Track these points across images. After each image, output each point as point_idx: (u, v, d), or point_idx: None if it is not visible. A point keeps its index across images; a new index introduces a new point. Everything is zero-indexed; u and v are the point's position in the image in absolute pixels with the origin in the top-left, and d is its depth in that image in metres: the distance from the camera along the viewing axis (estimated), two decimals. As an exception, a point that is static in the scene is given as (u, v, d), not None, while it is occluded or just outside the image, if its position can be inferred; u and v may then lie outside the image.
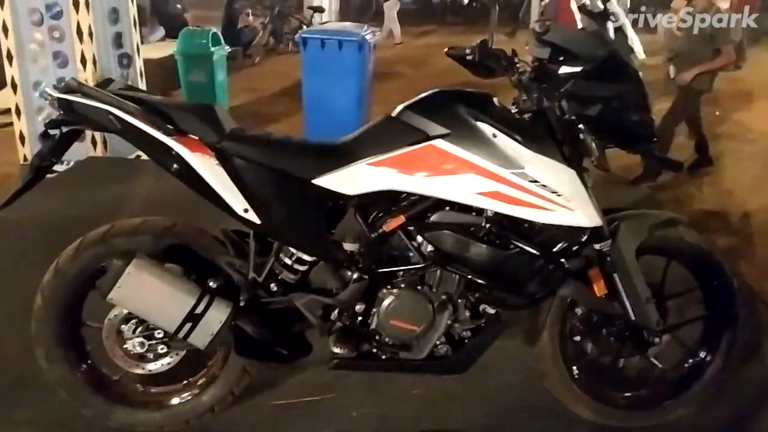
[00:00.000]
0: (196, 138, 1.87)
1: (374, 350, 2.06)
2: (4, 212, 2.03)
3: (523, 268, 1.97)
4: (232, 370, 2.10)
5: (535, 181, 1.86)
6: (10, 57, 4.64)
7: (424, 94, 1.98)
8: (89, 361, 2.09)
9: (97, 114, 1.85)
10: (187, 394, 2.13)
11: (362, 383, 2.37)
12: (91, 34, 4.59)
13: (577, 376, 2.23)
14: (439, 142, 1.86)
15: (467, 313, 2.07)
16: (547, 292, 2.04)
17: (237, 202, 1.90)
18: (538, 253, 1.93)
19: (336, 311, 2.01)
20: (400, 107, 1.96)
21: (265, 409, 2.27)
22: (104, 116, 1.85)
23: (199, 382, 2.14)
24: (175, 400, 2.13)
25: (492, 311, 2.07)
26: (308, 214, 1.95)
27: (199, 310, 1.87)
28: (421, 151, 1.88)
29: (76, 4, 4.50)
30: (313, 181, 1.91)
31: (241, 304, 1.95)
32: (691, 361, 2.32)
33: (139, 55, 5.09)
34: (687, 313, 2.33)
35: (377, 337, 2.05)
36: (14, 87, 4.70)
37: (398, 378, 2.36)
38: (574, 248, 2.01)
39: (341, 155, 1.93)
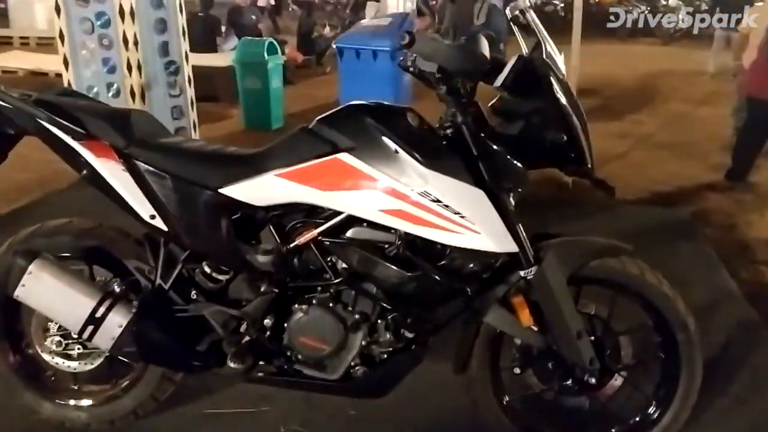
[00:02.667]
0: (106, 143, 1.90)
1: (285, 367, 2.02)
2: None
3: (427, 291, 1.87)
4: (152, 375, 2.12)
5: (438, 201, 1.77)
6: (66, 62, 4.93)
7: (339, 107, 1.93)
8: (25, 355, 2.17)
9: (21, 118, 1.91)
10: (111, 395, 2.17)
11: (301, 399, 2.33)
12: (136, 43, 4.81)
13: (508, 408, 2.10)
14: (344, 156, 1.81)
15: (388, 335, 1.99)
16: (452, 318, 1.95)
17: (143, 208, 1.91)
18: (438, 276, 1.83)
19: (245, 324, 1.98)
20: (315, 119, 1.91)
21: (193, 417, 2.28)
22: (27, 120, 1.91)
23: (123, 385, 2.17)
24: (100, 400, 2.18)
25: (410, 335, 1.98)
26: (215, 223, 1.92)
27: (99, 314, 1.90)
28: (326, 164, 1.83)
29: (122, 14, 4.73)
30: (220, 191, 1.89)
31: (145, 310, 1.96)
32: (647, 408, 2.11)
33: (187, 62, 5.28)
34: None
35: (288, 354, 2.00)
36: (69, 90, 5.00)
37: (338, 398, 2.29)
38: (487, 274, 1.91)
39: (251, 165, 1.90)
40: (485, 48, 1.75)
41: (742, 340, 2.81)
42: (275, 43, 6.60)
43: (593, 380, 1.97)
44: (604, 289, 2.03)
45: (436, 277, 1.84)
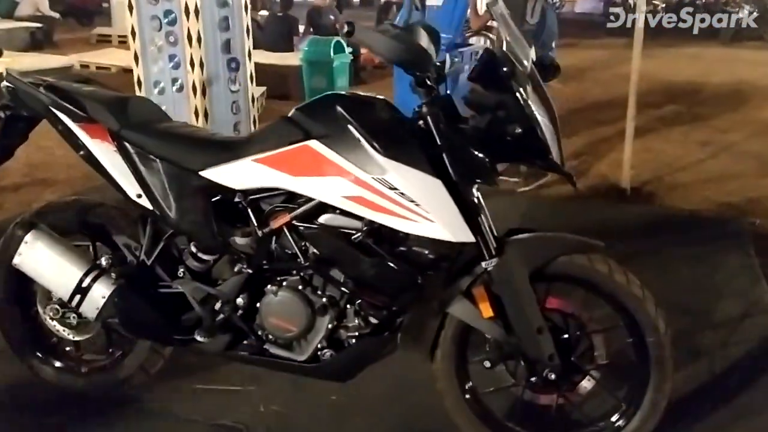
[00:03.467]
0: (102, 126, 2.04)
1: (257, 346, 2.09)
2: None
3: (385, 278, 1.90)
4: (141, 348, 2.25)
5: (395, 189, 1.80)
6: (136, 58, 5.25)
7: (317, 96, 2.00)
8: (32, 321, 2.34)
9: (31, 101, 2.09)
10: (105, 364, 2.32)
11: (288, 382, 2.38)
12: (199, 40, 5.04)
13: (474, 401, 2.08)
14: (313, 143, 1.87)
15: (357, 321, 2.02)
16: (412, 306, 1.97)
17: (131, 187, 2.04)
18: (394, 264, 1.85)
19: (219, 302, 2.07)
20: (294, 108, 1.98)
21: (184, 391, 2.39)
22: (37, 103, 2.08)
23: (116, 356, 2.31)
24: (95, 369, 2.33)
25: (375, 321, 2.01)
26: (196, 204, 2.02)
27: (85, 284, 2.04)
28: (297, 151, 1.89)
29: (187, 13, 4.97)
30: (201, 173, 1.99)
31: (127, 283, 2.08)
32: (615, 412, 2.04)
33: (249, 59, 5.48)
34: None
35: (260, 334, 2.08)
36: (139, 84, 5.31)
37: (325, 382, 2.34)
38: (446, 263, 1.92)
39: (231, 150, 1.99)
40: (423, 39, 1.76)
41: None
42: (343, 42, 6.73)
43: (553, 376, 1.93)
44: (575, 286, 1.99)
45: (391, 264, 1.86)
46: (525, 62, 1.86)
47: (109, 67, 9.24)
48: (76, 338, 2.26)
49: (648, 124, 6.22)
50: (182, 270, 2.12)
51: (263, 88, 7.42)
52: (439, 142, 1.84)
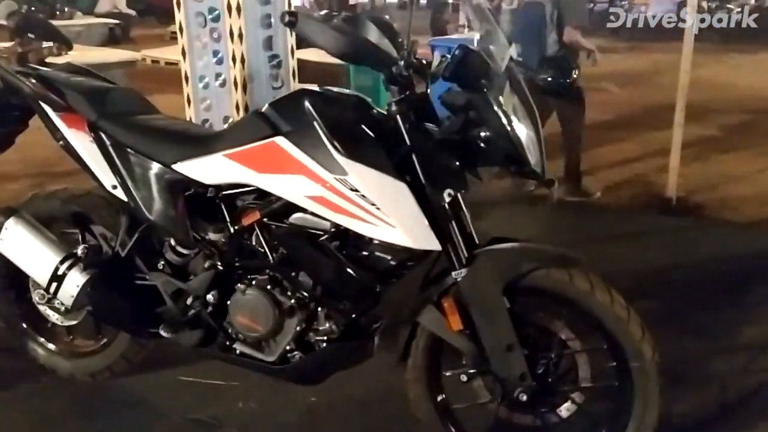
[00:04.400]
0: (81, 116, 2.06)
1: (227, 344, 2.07)
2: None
3: (343, 283, 1.84)
4: (123, 337, 2.28)
5: (356, 191, 1.74)
6: (184, 53, 5.37)
7: (291, 92, 1.96)
8: (28, 305, 2.40)
9: (19, 90, 2.12)
10: (91, 350, 2.37)
11: (269, 380, 2.33)
12: (241, 36, 5.11)
13: (445, 413, 2.00)
14: (280, 140, 1.83)
15: (328, 324, 1.97)
16: (378, 311, 1.91)
17: (107, 178, 2.06)
18: (351, 269, 1.81)
19: (190, 298, 2.06)
20: (267, 103, 1.95)
21: (167, 382, 2.41)
22: (22, 92, 2.12)
23: (101, 343, 2.34)
24: (82, 354, 2.38)
25: (344, 326, 1.95)
26: (168, 197, 2.02)
27: (60, 271, 2.08)
28: (264, 147, 1.86)
29: (229, 10, 5.04)
30: (173, 166, 1.99)
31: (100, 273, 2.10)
32: None
33: (292, 56, 5.52)
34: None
35: (229, 331, 2.05)
36: (186, 79, 5.42)
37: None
38: (406, 270, 1.86)
39: (205, 144, 1.98)
40: (371, 33, 1.67)
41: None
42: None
43: (524, 397, 1.82)
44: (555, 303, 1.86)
45: (349, 269, 1.80)
46: (501, 61, 1.76)
47: (176, 63, 9.48)
48: (65, 323, 2.31)
49: (704, 131, 5.89)
50: (162, 263, 2.13)
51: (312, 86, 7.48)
52: (408, 143, 1.76)
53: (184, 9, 5.18)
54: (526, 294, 1.84)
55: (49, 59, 7.12)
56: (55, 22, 10.61)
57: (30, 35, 7.07)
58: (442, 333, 1.87)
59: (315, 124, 1.78)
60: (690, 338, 2.69)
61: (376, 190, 1.74)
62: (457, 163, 1.79)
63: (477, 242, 1.88)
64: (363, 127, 1.80)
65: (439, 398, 1.99)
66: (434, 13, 10.63)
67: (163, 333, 2.05)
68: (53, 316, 2.30)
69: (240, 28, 5.06)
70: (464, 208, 1.90)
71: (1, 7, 7.77)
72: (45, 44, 7.12)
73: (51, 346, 2.41)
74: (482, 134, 1.73)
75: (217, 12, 5.09)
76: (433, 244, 1.76)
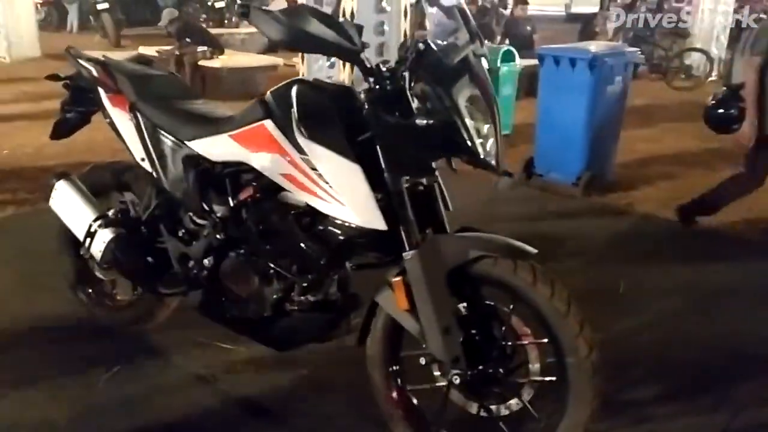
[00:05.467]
0: (125, 97, 2.38)
1: (218, 305, 2.28)
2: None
3: (295, 255, 1.98)
4: (147, 296, 2.56)
5: (315, 170, 1.89)
6: (303, 57, 5.78)
7: (287, 81, 2.12)
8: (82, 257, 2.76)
9: (84, 74, 2.51)
10: (125, 304, 2.69)
11: (271, 352, 2.49)
12: (352, 42, 5.40)
13: (401, 393, 2.06)
14: (268, 122, 2.02)
15: (304, 297, 2.12)
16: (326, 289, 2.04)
17: (137, 151, 2.37)
18: (304, 243, 1.95)
19: (192, 261, 2.30)
20: (269, 90, 2.14)
21: (187, 340, 2.67)
22: (85, 76, 2.49)
23: (134, 298, 2.66)
24: (117, 307, 2.72)
25: (315, 298, 2.09)
26: (183, 170, 2.27)
27: (93, 229, 2.41)
28: (256, 129, 2.06)
29: (344, 15, 5.35)
30: (188, 143, 2.24)
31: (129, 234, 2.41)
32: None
33: (404, 62, 5.72)
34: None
35: (219, 294, 2.26)
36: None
37: (311, 355, 2.42)
38: (358, 249, 1.97)
39: (216, 125, 2.21)
40: (309, 25, 1.74)
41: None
42: (514, 51, 6.67)
43: (457, 380, 1.86)
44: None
45: (302, 243, 1.94)
46: (456, 56, 1.81)
47: (294, 65, 10.10)
48: (106, 277, 2.64)
49: None
50: (182, 231, 2.39)
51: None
52: (372, 130, 1.86)
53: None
54: (479, 283, 1.87)
55: (201, 62, 7.97)
56: (222, 30, 11.74)
57: (187, 40, 7.96)
58: (393, 311, 1.94)
59: (291, 109, 1.94)
60: None
61: (331, 169, 1.87)
62: (414, 152, 1.85)
63: (447, 230, 1.95)
64: (333, 113, 1.92)
65: (397, 378, 2.06)
66: (584, 24, 10.36)
67: (161, 289, 2.31)
68: (97, 270, 2.64)
69: (351, 35, 5.34)
70: (443, 197, 1.98)
71: (164, 14, 8.83)
72: (200, 48, 7.98)
73: (95, 297, 2.75)
74: (430, 123, 1.78)
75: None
76: (378, 223, 1.85)
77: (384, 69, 1.92)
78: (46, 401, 2.33)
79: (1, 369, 2.52)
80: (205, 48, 7.92)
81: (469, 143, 1.79)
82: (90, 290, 2.76)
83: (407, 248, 1.86)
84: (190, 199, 2.27)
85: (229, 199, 2.19)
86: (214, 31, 10.21)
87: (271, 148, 1.98)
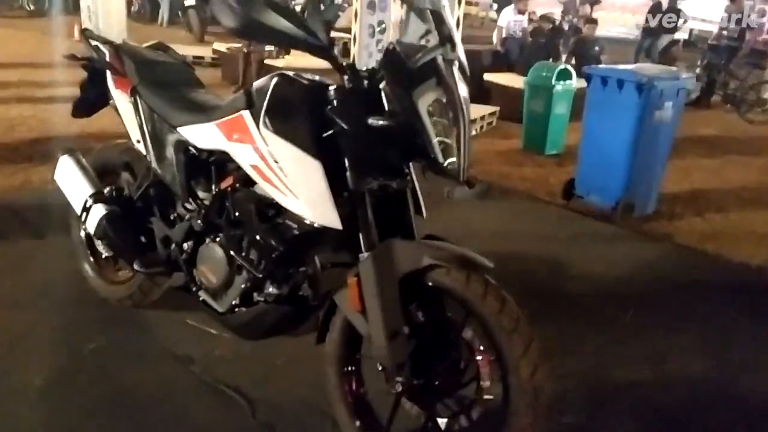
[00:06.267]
0: (128, 81, 2.48)
1: (194, 289, 2.34)
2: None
3: (263, 251, 2.02)
4: (140, 274, 2.66)
5: (277, 162, 1.92)
6: (354, 60, 5.86)
7: (271, 74, 2.16)
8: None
9: (98, 56, 2.63)
10: (120, 280, 2.81)
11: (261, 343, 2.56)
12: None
13: (355, 396, 2.06)
14: (245, 113, 2.05)
15: (272, 288, 2.14)
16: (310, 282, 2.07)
17: (134, 133, 2.46)
18: (260, 233, 2.00)
19: (173, 244, 2.38)
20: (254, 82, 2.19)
21: (176, 320, 2.76)
22: (101, 60, 2.62)
23: (129, 275, 2.75)
24: (113, 282, 2.84)
25: (277, 291, 2.11)
26: (171, 154, 2.35)
27: (88, 204, 2.52)
28: (235, 119, 2.10)
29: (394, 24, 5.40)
30: (179, 129, 2.32)
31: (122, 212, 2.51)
32: None
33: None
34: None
35: (195, 278, 2.32)
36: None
37: (300, 346, 2.36)
38: (312, 244, 1.98)
39: (206, 113, 2.26)
40: (263, 15, 1.73)
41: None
42: (571, 70, 6.54)
43: (399, 387, 1.85)
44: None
45: (257, 235, 1.99)
46: (420, 59, 1.79)
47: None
48: (105, 252, 2.76)
49: None
50: (174, 215, 2.47)
51: (494, 108, 7.56)
52: (341, 128, 1.86)
53: (360, 20, 5.66)
54: (437, 293, 1.85)
55: (267, 60, 8.18)
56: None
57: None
58: (347, 311, 1.94)
59: (264, 102, 1.97)
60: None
61: (290, 163, 1.89)
62: (379, 154, 1.85)
63: (415, 237, 1.93)
64: (302, 108, 1.94)
65: (350, 378, 2.05)
66: (662, 49, 10.06)
67: (136, 266, 2.39)
68: (99, 245, 2.76)
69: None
70: (417, 203, 1.97)
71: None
72: (267, 48, 8.19)
73: (98, 271, 2.87)
74: (384, 123, 1.78)
75: (384, 25, 5.50)
76: (333, 222, 1.86)
77: (364, 68, 1.93)
78: (28, 365, 2.45)
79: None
80: (272, 48, 8.12)
81: (426, 147, 1.77)
82: (94, 263, 2.88)
83: (363, 250, 1.85)
84: (176, 184, 2.35)
85: (212, 186, 2.25)
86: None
87: (244, 138, 2.02)
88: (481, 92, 7.96)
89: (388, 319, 1.81)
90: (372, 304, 1.83)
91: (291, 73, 2.10)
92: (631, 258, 4.01)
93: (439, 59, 1.81)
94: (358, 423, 2.04)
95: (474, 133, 5.92)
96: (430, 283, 1.82)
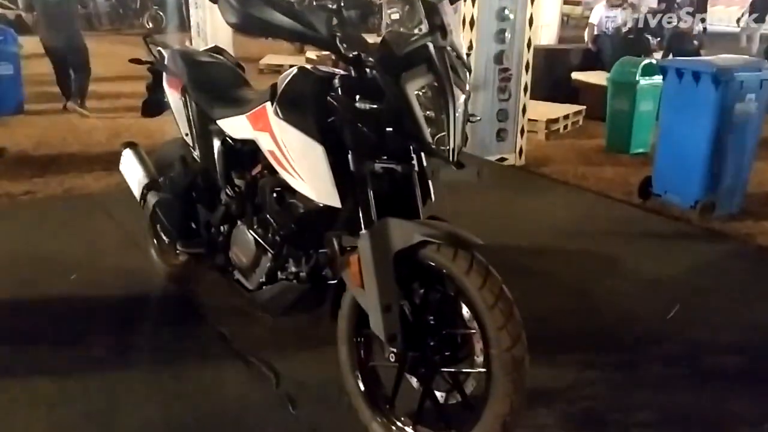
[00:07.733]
0: (180, 80, 2.73)
1: (229, 269, 2.54)
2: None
3: (277, 230, 2.18)
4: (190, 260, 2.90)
5: (286, 146, 2.08)
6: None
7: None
8: None
9: (161, 62, 2.90)
10: (177, 264, 3.05)
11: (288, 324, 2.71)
12: (471, 48, 5.47)
13: (367, 369, 2.15)
14: (268, 104, 2.22)
15: (295, 267, 2.30)
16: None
17: (183, 127, 2.70)
18: (271, 214, 2.14)
19: (213, 228, 2.59)
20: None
21: (223, 303, 2.92)
22: (159, 63, 2.89)
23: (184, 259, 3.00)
24: (173, 265, 3.08)
25: (295, 269, 2.27)
26: (212, 145, 2.57)
27: (144, 192, 2.78)
28: (260, 110, 2.28)
29: (471, 24, 5.44)
30: (218, 121, 2.53)
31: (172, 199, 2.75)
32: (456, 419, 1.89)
33: (526, 72, 5.70)
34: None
35: (231, 258, 2.52)
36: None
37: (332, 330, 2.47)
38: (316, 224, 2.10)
39: (241, 107, 2.46)
40: (261, 11, 1.83)
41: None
42: (655, 64, 6.31)
43: (392, 358, 1.93)
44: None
45: (268, 215, 2.13)
46: (407, 46, 1.87)
47: None
48: (164, 237, 3.01)
49: None
50: (210, 199, 2.69)
51: (580, 107, 7.41)
52: (341, 116, 1.97)
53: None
54: (416, 265, 1.92)
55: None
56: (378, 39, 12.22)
57: (344, 45, 8.47)
58: (351, 288, 2.05)
59: (281, 93, 2.13)
60: None
61: (295, 147, 2.04)
62: (374, 139, 1.95)
63: (420, 216, 2.03)
64: (311, 97, 2.07)
65: (359, 351, 2.16)
66: None
67: (179, 246, 2.61)
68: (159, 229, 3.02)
69: (471, 41, 5.43)
70: (426, 187, 2.06)
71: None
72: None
73: (160, 254, 3.13)
74: (373, 107, 1.88)
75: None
76: (333, 201, 1.98)
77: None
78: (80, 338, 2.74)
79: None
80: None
81: (415, 131, 1.85)
82: (158, 246, 3.15)
83: (362, 228, 1.96)
84: (217, 171, 2.56)
85: (247, 174, 2.44)
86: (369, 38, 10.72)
87: (266, 127, 2.18)
88: (568, 91, 7.84)
89: (382, 293, 1.90)
90: (369, 279, 1.92)
91: (310, 67, 2.25)
92: (699, 256, 3.84)
93: (430, 46, 1.88)
94: (365, 393, 2.15)
95: (521, 126, 5.82)
96: (423, 260, 1.89)
